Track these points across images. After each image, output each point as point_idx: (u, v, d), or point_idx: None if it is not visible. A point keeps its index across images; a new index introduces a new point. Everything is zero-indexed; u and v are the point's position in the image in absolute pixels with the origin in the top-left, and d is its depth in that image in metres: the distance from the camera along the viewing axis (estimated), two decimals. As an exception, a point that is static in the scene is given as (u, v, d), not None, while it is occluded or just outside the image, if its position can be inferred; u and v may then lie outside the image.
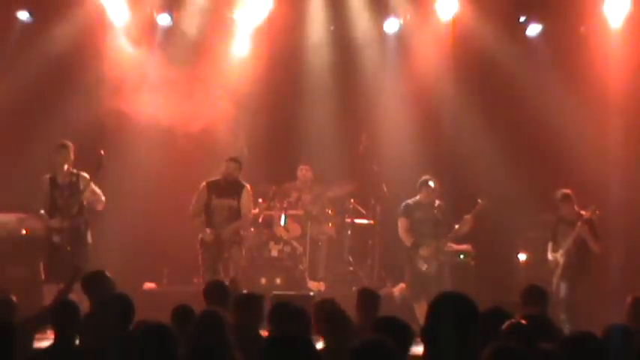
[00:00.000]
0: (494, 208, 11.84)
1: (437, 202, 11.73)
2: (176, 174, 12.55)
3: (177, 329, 5.57)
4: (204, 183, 11.51)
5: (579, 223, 11.18)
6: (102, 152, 10.71)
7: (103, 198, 10.96)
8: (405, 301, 11.66)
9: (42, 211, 10.87)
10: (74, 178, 10.81)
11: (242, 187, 11.50)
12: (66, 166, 10.81)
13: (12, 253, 11.98)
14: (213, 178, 11.50)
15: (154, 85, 13.09)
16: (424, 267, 11.47)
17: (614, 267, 12.36)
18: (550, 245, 11.49)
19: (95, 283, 7.59)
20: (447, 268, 11.83)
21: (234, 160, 11.48)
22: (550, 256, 11.44)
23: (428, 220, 11.61)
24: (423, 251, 11.55)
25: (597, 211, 11.24)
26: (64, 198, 10.76)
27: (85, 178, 10.80)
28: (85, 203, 10.87)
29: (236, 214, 11.44)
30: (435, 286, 10.75)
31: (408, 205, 11.70)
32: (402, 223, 11.72)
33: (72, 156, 10.83)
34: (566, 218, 11.42)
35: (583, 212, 11.28)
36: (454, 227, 11.59)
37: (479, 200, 11.63)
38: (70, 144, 10.86)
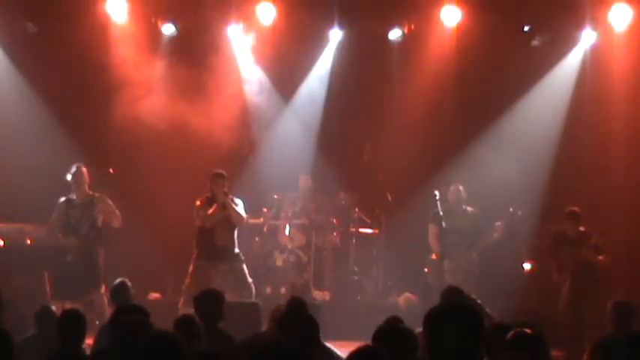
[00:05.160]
0: (522, 218, 11.85)
1: (469, 209, 11.69)
2: (183, 183, 12.56)
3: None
4: (198, 202, 11.33)
5: (584, 249, 11.00)
6: (111, 171, 10.79)
7: (118, 213, 11.02)
8: (411, 310, 11.64)
9: (58, 232, 11.01)
10: (89, 199, 10.97)
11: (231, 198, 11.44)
12: (82, 188, 10.95)
13: (17, 263, 11.98)
14: (204, 196, 11.41)
15: (159, 94, 13.14)
16: (448, 279, 11.40)
17: (616, 277, 12.32)
18: (554, 264, 11.39)
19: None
20: (474, 279, 11.77)
21: (220, 175, 11.30)
22: (555, 276, 11.30)
23: (456, 230, 11.57)
24: (447, 264, 11.51)
25: (602, 238, 11.07)
26: (76, 217, 10.92)
27: (99, 197, 10.96)
28: (99, 223, 11.00)
29: (231, 223, 11.38)
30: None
31: (437, 212, 11.65)
32: (431, 231, 11.70)
33: (87, 177, 11.00)
34: (568, 237, 11.30)
35: (582, 229, 11.15)
36: (485, 236, 11.54)
37: (510, 209, 11.61)
38: (83, 167, 11.00)
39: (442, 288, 11.25)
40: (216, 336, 6.95)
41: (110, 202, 11.03)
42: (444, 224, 11.53)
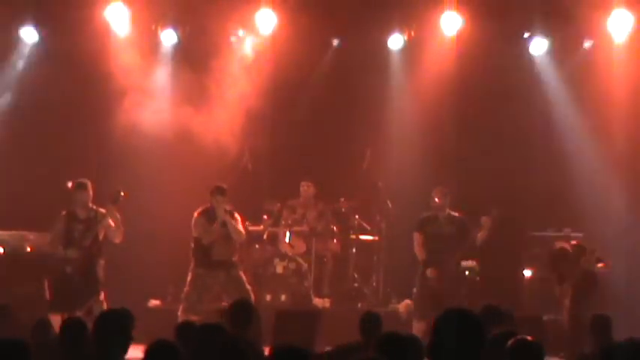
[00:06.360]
0: (506, 219, 11.80)
1: (454, 214, 11.57)
2: (182, 191, 12.56)
3: (182, 345, 5.58)
4: (196, 214, 11.34)
5: (583, 260, 11.05)
6: (120, 191, 10.75)
7: (122, 229, 11.00)
8: (411, 317, 11.61)
9: (59, 245, 10.94)
10: (92, 214, 10.96)
11: (230, 212, 11.45)
12: (86, 203, 10.94)
13: (17, 270, 11.99)
14: (202, 208, 11.39)
15: (160, 101, 13.16)
16: (433, 286, 11.31)
17: (616, 281, 12.31)
18: (555, 278, 11.36)
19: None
20: (464, 285, 11.68)
21: (221, 191, 11.30)
22: (558, 289, 11.27)
23: (441, 235, 11.43)
24: (431, 272, 11.34)
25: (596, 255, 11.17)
26: (80, 231, 10.90)
27: (102, 213, 10.92)
28: (100, 237, 10.97)
29: (230, 239, 11.38)
30: (446, 305, 10.37)
31: (422, 219, 11.54)
32: (416, 238, 11.50)
33: (90, 192, 10.94)
34: (567, 253, 11.29)
35: (574, 242, 11.20)
36: (471, 240, 11.44)
37: (492, 210, 11.53)
38: (87, 182, 10.97)
39: (424, 294, 11.28)
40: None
41: (117, 215, 10.91)
42: (432, 228, 11.44)
